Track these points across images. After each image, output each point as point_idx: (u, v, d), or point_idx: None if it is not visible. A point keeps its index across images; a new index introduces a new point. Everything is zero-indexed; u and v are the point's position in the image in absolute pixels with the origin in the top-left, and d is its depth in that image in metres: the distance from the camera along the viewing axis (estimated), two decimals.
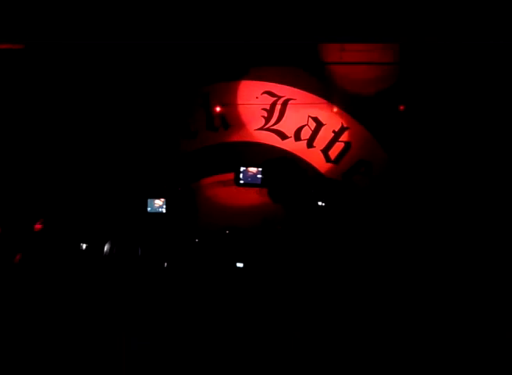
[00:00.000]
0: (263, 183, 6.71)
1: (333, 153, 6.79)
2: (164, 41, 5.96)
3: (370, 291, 5.22)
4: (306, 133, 6.82)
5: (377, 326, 4.72)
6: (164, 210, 7.05)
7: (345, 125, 6.70)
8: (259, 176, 6.69)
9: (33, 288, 5.05)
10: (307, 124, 6.79)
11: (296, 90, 6.71)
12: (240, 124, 6.92)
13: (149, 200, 7.05)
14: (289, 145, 6.85)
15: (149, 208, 7.04)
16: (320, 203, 6.41)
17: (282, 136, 6.88)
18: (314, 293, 5.20)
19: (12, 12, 5.78)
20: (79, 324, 4.65)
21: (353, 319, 4.84)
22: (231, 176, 6.89)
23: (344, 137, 6.73)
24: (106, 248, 5.31)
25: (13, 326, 4.58)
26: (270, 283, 5.41)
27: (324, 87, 6.62)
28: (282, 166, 6.81)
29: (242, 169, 6.73)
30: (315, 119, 6.76)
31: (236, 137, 6.96)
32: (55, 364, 4.29)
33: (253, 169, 6.72)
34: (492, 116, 6.11)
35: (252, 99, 6.79)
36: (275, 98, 6.77)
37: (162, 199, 7.03)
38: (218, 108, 6.82)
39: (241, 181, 6.76)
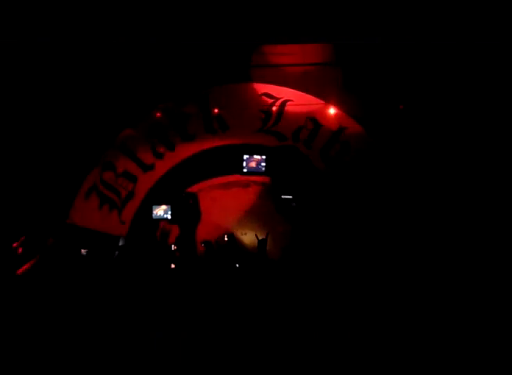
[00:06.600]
0: (266, 172, 6.67)
1: (332, 153, 6.80)
2: (163, 41, 5.88)
3: (369, 291, 5.22)
4: (304, 135, 6.81)
5: (377, 326, 4.71)
6: (169, 216, 7.10)
7: (343, 125, 6.68)
8: (263, 164, 6.64)
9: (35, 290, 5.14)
10: (304, 125, 6.78)
11: (293, 91, 6.66)
12: (238, 126, 6.87)
13: (154, 206, 7.10)
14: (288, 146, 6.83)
15: (154, 215, 7.09)
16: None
17: (281, 137, 6.87)
18: (313, 293, 5.22)
19: None
20: (79, 324, 4.69)
21: (353, 319, 4.83)
22: (230, 178, 6.92)
23: (342, 137, 6.72)
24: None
25: (14, 327, 4.64)
26: (270, 283, 5.43)
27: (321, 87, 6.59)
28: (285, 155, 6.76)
29: (245, 157, 6.70)
30: (313, 121, 6.76)
31: (235, 140, 6.93)
32: (55, 364, 4.29)
33: (257, 157, 6.69)
34: (492, 117, 6.06)
35: (250, 101, 6.71)
36: (272, 100, 6.72)
37: (167, 205, 7.07)
38: (216, 111, 6.76)
39: (244, 169, 6.73)
